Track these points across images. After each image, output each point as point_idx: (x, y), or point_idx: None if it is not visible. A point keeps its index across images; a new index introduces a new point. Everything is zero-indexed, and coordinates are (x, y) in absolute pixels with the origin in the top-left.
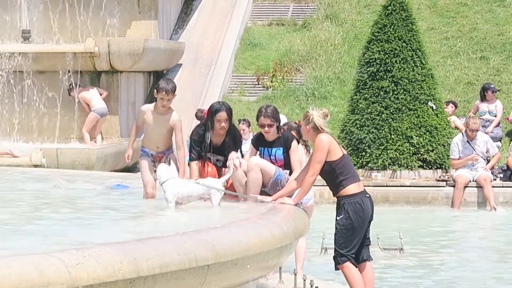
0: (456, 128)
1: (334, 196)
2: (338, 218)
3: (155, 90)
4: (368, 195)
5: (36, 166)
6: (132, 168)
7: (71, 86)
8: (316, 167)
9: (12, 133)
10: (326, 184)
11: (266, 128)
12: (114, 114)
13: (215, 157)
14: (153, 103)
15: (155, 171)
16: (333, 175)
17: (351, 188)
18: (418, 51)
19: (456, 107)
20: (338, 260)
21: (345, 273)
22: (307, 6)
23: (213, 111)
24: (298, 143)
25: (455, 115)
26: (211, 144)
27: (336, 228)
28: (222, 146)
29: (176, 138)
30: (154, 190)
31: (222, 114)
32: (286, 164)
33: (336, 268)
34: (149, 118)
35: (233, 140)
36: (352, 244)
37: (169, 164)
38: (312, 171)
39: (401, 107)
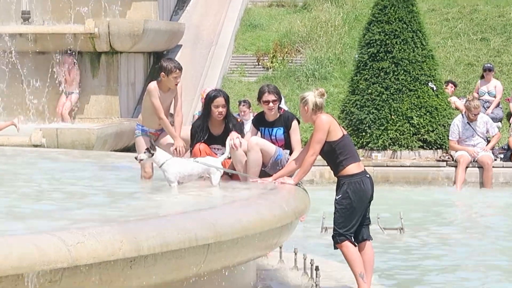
0: (457, 109)
1: (335, 176)
2: (337, 197)
3: (162, 73)
4: (368, 175)
5: (36, 146)
6: (132, 148)
7: (69, 57)
8: (316, 147)
9: (14, 113)
10: (326, 164)
11: (271, 104)
12: (114, 94)
13: (215, 147)
14: (155, 82)
15: (148, 151)
16: (333, 155)
17: (351, 168)
18: (418, 32)
19: (455, 86)
20: (337, 239)
21: (343, 252)
22: None
23: (210, 97)
24: (299, 123)
25: (455, 95)
26: (210, 134)
27: (335, 207)
28: (221, 136)
29: (176, 103)
30: (151, 169)
31: (220, 100)
32: (287, 144)
33: (335, 247)
34: (160, 97)
35: (234, 129)
36: (351, 223)
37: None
38: (312, 151)
39: (402, 88)
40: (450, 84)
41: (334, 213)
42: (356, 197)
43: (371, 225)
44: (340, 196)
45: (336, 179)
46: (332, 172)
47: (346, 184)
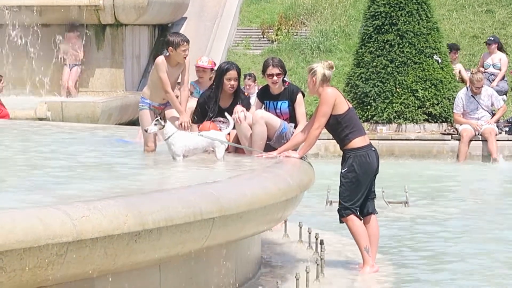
0: (462, 80)
1: (340, 149)
2: (343, 171)
3: (170, 47)
4: (373, 149)
5: (41, 119)
6: (137, 122)
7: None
8: (322, 120)
9: (17, 86)
10: (331, 138)
11: (275, 78)
12: (119, 67)
13: (220, 120)
14: (162, 56)
15: (158, 122)
16: (339, 128)
17: (357, 142)
18: (423, 4)
19: (457, 50)
20: (342, 213)
21: (349, 226)
22: None
23: (223, 70)
24: (304, 96)
25: (461, 63)
26: (218, 106)
27: (341, 181)
28: (229, 109)
29: (183, 77)
30: (154, 143)
31: (232, 73)
32: (291, 117)
33: (341, 221)
34: (167, 71)
35: (242, 103)
36: (356, 197)
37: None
38: (317, 124)
39: (407, 60)
40: (453, 51)
41: (340, 186)
42: (361, 170)
43: (376, 198)
44: (345, 169)
45: (341, 152)
46: (337, 145)
47: (352, 157)
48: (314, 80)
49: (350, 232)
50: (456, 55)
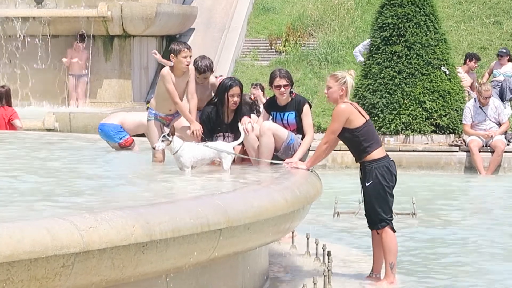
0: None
1: (357, 162)
2: (368, 183)
3: (171, 55)
4: (392, 159)
5: (49, 130)
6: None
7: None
8: (330, 137)
9: (26, 97)
10: (338, 149)
11: (282, 89)
12: (127, 78)
13: (225, 135)
14: (168, 67)
15: (165, 138)
16: (356, 142)
17: (377, 153)
18: (431, 15)
19: (476, 60)
20: (378, 226)
21: (383, 238)
22: None
23: (226, 86)
24: (311, 107)
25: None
26: (223, 122)
27: (369, 194)
28: (230, 124)
29: (189, 87)
30: (162, 155)
31: (236, 89)
32: (299, 129)
33: (376, 228)
34: (172, 82)
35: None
36: (389, 207)
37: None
38: (325, 139)
39: (414, 72)
40: (473, 60)
41: (369, 200)
42: (385, 181)
43: None
44: (371, 182)
45: (349, 164)
46: (344, 156)
47: (375, 168)
48: (344, 89)
49: (383, 244)
50: (476, 65)
